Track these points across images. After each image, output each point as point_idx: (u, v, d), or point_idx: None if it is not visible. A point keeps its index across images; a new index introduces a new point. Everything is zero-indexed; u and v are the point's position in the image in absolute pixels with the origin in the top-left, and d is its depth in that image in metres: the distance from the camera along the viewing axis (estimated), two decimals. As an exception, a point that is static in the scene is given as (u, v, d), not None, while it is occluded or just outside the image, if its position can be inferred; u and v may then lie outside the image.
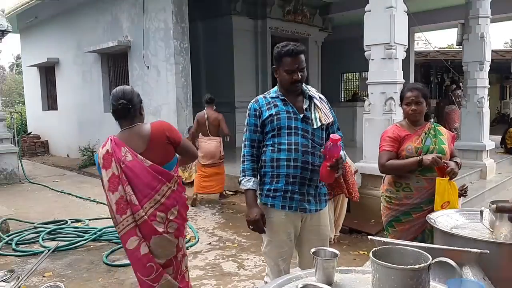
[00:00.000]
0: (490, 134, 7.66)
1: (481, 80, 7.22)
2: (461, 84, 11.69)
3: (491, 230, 1.91)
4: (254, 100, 2.40)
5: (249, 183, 2.31)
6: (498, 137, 9.52)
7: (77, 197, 6.75)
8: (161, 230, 2.29)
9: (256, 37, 10.87)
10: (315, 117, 2.29)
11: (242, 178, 2.35)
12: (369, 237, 1.67)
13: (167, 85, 7.97)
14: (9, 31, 8.67)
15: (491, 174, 7.13)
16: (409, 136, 2.68)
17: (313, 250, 1.40)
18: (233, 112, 10.33)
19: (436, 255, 1.25)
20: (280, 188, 2.27)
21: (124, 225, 2.27)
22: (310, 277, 1.39)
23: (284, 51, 2.27)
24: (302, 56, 2.28)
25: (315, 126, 2.28)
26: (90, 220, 5.38)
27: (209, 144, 6.30)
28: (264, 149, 2.35)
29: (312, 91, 2.38)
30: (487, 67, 7.20)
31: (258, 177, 2.38)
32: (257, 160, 2.37)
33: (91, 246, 4.52)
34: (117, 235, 4.60)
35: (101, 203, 6.29)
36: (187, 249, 4.38)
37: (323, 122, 2.30)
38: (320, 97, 2.39)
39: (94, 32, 9.82)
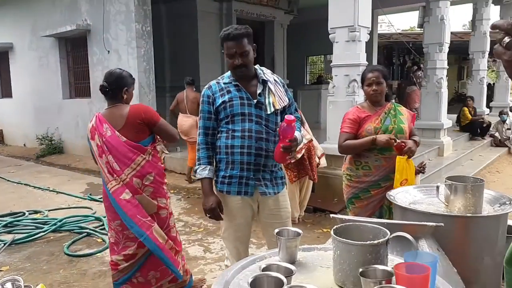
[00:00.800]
0: (448, 113, 7.94)
1: (440, 61, 7.43)
2: (421, 65, 12.03)
3: (446, 204, 1.98)
4: (207, 86, 2.35)
5: (204, 171, 2.29)
6: (455, 116, 9.89)
7: (35, 187, 6.49)
8: (140, 191, 2.66)
9: (221, 20, 10.68)
10: (269, 102, 2.25)
11: (197, 167, 2.32)
12: (331, 215, 1.69)
13: (129, 70, 7.60)
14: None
15: (448, 151, 7.42)
16: (369, 117, 2.74)
17: (276, 230, 1.41)
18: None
19: (394, 230, 1.27)
20: (235, 174, 2.26)
21: (113, 184, 2.63)
22: (273, 257, 1.40)
23: (224, 35, 2.22)
24: (244, 40, 2.19)
25: (268, 112, 2.24)
26: (49, 211, 5.18)
27: (184, 121, 6.48)
28: (219, 135, 2.32)
29: (267, 73, 2.34)
30: (446, 48, 7.42)
31: (214, 163, 2.36)
32: (212, 148, 2.34)
33: (51, 238, 4.37)
34: (78, 225, 4.57)
35: (61, 193, 6.09)
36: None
37: (277, 107, 2.26)
38: (275, 80, 2.35)
39: (51, 15, 9.35)
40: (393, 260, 1.32)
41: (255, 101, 2.25)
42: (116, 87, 2.74)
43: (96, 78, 8.45)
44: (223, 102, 2.25)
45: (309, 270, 1.32)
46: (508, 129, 8.77)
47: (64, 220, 4.65)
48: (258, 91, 2.27)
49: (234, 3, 10.58)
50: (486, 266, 1.87)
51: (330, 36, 5.18)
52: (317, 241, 3.99)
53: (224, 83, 2.31)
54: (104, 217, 4.75)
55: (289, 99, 2.38)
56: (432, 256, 1.17)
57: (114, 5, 7.83)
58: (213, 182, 2.36)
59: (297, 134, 2.21)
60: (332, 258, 1.24)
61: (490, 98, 12.02)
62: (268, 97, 2.27)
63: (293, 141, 2.13)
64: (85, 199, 5.74)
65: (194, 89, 6.78)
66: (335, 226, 1.29)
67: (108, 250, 3.89)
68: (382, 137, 2.60)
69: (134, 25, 7.49)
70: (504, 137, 8.76)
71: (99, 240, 4.22)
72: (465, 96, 10.48)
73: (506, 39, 0.89)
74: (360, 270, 1.09)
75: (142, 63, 7.62)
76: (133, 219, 2.59)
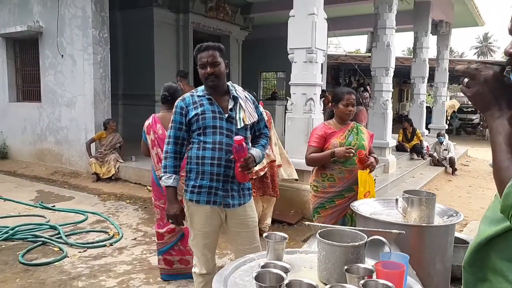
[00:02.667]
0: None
1: (386, 84, 8.01)
2: (368, 86, 12.79)
3: (404, 215, 2.24)
4: (181, 98, 2.47)
5: (169, 180, 2.39)
6: (396, 135, 10.59)
7: (-21, 194, 6.14)
8: None
9: (178, 31, 10.77)
10: (239, 118, 2.39)
11: (163, 174, 2.42)
12: (306, 223, 1.88)
13: (84, 76, 7.58)
14: None
15: (392, 169, 7.95)
16: (335, 133, 3.05)
17: (265, 234, 1.56)
18: (153, 106, 10.12)
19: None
20: (205, 184, 2.37)
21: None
22: (262, 258, 1.55)
23: (197, 48, 2.42)
24: (214, 52, 2.36)
25: (239, 126, 2.38)
26: (-2, 218, 4.97)
27: None
28: (190, 146, 2.43)
29: (238, 90, 2.49)
30: (391, 73, 8.01)
31: (184, 173, 2.48)
32: (180, 157, 2.45)
33: (3, 246, 4.20)
34: (32, 233, 4.45)
35: (9, 200, 5.82)
36: (111, 245, 4.32)
37: (246, 122, 2.41)
38: (246, 97, 2.50)
39: (-2, 13, 8.94)
40: (367, 261, 1.52)
41: (226, 115, 2.38)
42: (173, 98, 3.34)
43: (48, 82, 8.19)
44: (196, 114, 2.36)
45: (294, 270, 1.49)
46: (445, 149, 9.54)
47: (17, 228, 4.47)
48: (230, 106, 2.40)
49: (191, 15, 10.73)
50: (438, 270, 2.14)
51: (289, 56, 5.47)
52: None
53: (198, 96, 2.43)
54: (60, 225, 4.69)
55: (258, 115, 2.54)
56: (403, 256, 1.38)
57: (70, 9, 7.68)
58: (183, 190, 2.48)
59: (253, 151, 2.37)
60: (317, 258, 1.42)
61: (429, 120, 12.98)
62: (239, 113, 2.40)
63: (247, 159, 2.28)
64: (36, 207, 5.54)
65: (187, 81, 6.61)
66: (319, 231, 1.47)
67: (66, 260, 3.89)
68: (339, 150, 2.89)
69: (91, 31, 7.39)
70: (442, 157, 9.52)
71: (55, 249, 4.12)
72: (405, 117, 11.25)
73: (465, 80, 1.08)
74: (345, 267, 1.28)
75: (98, 69, 7.51)
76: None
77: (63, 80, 7.92)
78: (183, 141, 2.43)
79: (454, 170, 9.29)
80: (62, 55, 7.84)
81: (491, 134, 1.06)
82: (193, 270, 2.60)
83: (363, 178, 2.83)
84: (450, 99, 33.64)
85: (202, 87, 2.47)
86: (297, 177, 5.06)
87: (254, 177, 4.41)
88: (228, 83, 2.50)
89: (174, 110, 2.45)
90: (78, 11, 7.55)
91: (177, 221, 2.43)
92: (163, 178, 2.41)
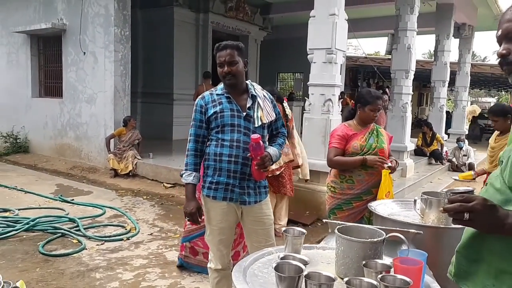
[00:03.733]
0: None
1: (406, 87, 7.92)
2: (387, 89, 12.66)
3: (422, 216, 2.23)
4: (200, 96, 2.51)
5: (189, 177, 2.43)
6: (415, 139, 10.47)
7: (1, 186, 6.31)
8: None
9: (197, 30, 10.87)
10: (257, 116, 2.41)
11: (184, 172, 2.46)
12: (324, 220, 1.88)
13: (105, 73, 7.71)
14: None
15: (410, 173, 7.86)
16: (355, 135, 3.02)
17: (283, 229, 1.58)
18: (171, 104, 10.26)
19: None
20: (222, 181, 2.40)
21: None
22: (279, 252, 1.56)
23: (216, 47, 2.44)
24: (232, 51, 2.37)
25: (256, 125, 2.40)
26: (20, 210, 5.10)
27: None
28: (208, 143, 2.46)
29: (257, 89, 2.51)
30: (411, 75, 7.92)
31: (202, 169, 2.51)
32: (200, 155, 2.48)
33: (24, 237, 4.31)
34: (52, 225, 4.53)
35: (30, 192, 5.97)
36: (128, 239, 4.39)
37: (264, 121, 2.43)
38: (264, 95, 2.52)
39: (24, 11, 9.16)
40: (384, 259, 1.52)
41: (244, 113, 2.40)
42: None
43: (69, 79, 8.36)
44: (215, 112, 2.40)
45: (312, 265, 1.49)
46: (465, 155, 9.38)
47: (37, 219, 4.58)
48: (248, 105, 2.43)
49: (211, 15, 10.82)
50: (454, 272, 2.11)
51: (308, 56, 5.46)
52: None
53: (217, 95, 2.46)
54: (79, 218, 4.78)
55: (276, 114, 2.56)
56: (421, 253, 1.38)
57: (93, 7, 7.82)
58: (201, 187, 2.51)
59: (270, 150, 2.39)
60: (335, 254, 1.43)
61: (448, 125, 12.79)
62: (257, 111, 2.43)
63: (264, 157, 2.30)
64: (56, 200, 5.67)
65: (211, 82, 6.83)
66: (338, 227, 1.47)
67: (84, 252, 3.97)
68: (372, 158, 2.87)
69: (113, 29, 7.51)
70: (461, 163, 9.37)
71: (74, 241, 4.21)
72: (424, 121, 11.10)
73: (466, 216, 1.13)
74: (364, 262, 1.28)
75: (119, 67, 7.63)
76: None
77: (84, 77, 8.08)
78: (204, 138, 2.47)
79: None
80: (84, 52, 7.99)
81: None
82: (208, 265, 2.63)
83: (386, 178, 2.84)
84: (471, 104, 33.08)
85: (222, 85, 2.50)
86: (308, 178, 5.06)
87: (269, 175, 4.42)
88: (247, 81, 2.52)
89: (194, 108, 2.49)
90: (101, 9, 7.68)
91: (193, 219, 2.46)
92: (184, 176, 2.45)
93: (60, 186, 6.52)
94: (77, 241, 4.19)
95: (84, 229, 4.50)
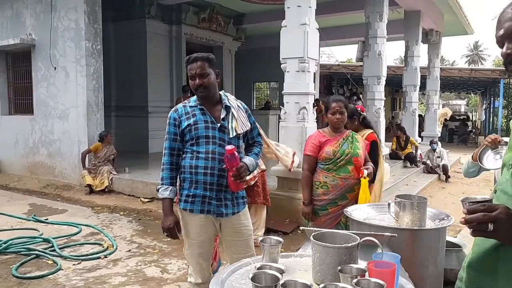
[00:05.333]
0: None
1: (378, 93, 8.10)
2: (361, 95, 12.91)
3: (396, 219, 2.26)
4: (174, 109, 2.50)
5: (166, 191, 2.41)
6: (389, 144, 10.67)
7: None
8: None
9: (170, 42, 10.86)
10: (232, 127, 2.41)
11: (160, 186, 2.44)
12: (301, 227, 1.89)
13: (77, 88, 7.58)
14: None
15: (386, 177, 7.97)
16: (329, 141, 3.08)
17: (260, 238, 1.58)
18: (146, 117, 10.16)
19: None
20: (199, 194, 2.38)
21: None
22: (257, 262, 1.56)
23: (186, 60, 2.45)
24: (203, 63, 2.38)
25: (231, 136, 2.40)
26: (-11, 232, 4.92)
27: None
28: (184, 155, 2.45)
29: (231, 100, 2.51)
30: (383, 81, 8.11)
31: (178, 182, 2.48)
32: (176, 168, 2.46)
33: (-5, 260, 4.17)
34: (25, 246, 4.39)
35: (1, 213, 5.77)
36: (106, 257, 4.29)
37: (238, 131, 2.43)
38: (238, 106, 2.52)
39: (-10, 27, 8.95)
40: (360, 263, 1.54)
41: (218, 125, 2.40)
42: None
43: (40, 95, 8.19)
44: (189, 125, 2.39)
45: (289, 273, 1.49)
46: (438, 157, 9.61)
47: (10, 241, 4.43)
48: (222, 116, 2.42)
49: (184, 26, 10.83)
50: (431, 273, 2.16)
51: (281, 65, 5.53)
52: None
53: (191, 107, 2.46)
54: (54, 238, 4.65)
55: (251, 123, 2.56)
56: (395, 256, 1.40)
57: (63, 21, 7.71)
58: (177, 200, 2.49)
59: (246, 160, 2.39)
60: (312, 260, 1.43)
61: (421, 128, 13.10)
62: (231, 122, 2.43)
63: (239, 168, 2.29)
64: (29, 220, 5.49)
65: (189, 95, 6.79)
66: (313, 234, 1.48)
67: (60, 272, 3.86)
68: (306, 209, 3.12)
69: (84, 42, 7.42)
70: (435, 164, 9.59)
71: (49, 261, 4.08)
72: (397, 125, 11.32)
73: (491, 227, 1.04)
74: (339, 268, 1.29)
75: (91, 81, 7.52)
76: None
77: (55, 92, 7.92)
78: (179, 151, 2.45)
79: (448, 177, 9.35)
80: (55, 67, 7.85)
81: None
82: (188, 279, 2.59)
83: (365, 186, 2.91)
84: (443, 107, 34.01)
85: (195, 97, 2.49)
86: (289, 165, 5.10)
87: (244, 186, 4.41)
88: (220, 92, 2.52)
89: (168, 121, 2.47)
90: (71, 24, 7.58)
91: (171, 234, 2.41)
92: (160, 190, 2.42)
93: (33, 206, 6.33)
94: (52, 262, 4.06)
95: (60, 248, 4.38)
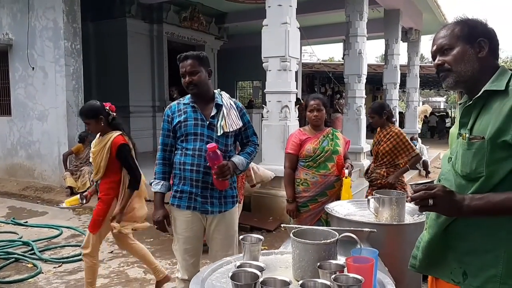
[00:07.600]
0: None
1: (359, 91, 8.18)
2: (343, 93, 13.02)
3: (376, 214, 2.31)
4: (168, 106, 2.56)
5: (157, 186, 2.48)
6: (370, 140, 10.79)
7: None
8: None
9: (152, 41, 10.77)
10: (220, 125, 2.44)
11: (153, 181, 2.50)
12: (282, 225, 1.91)
13: (56, 88, 7.44)
14: None
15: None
16: (309, 139, 3.13)
17: (241, 236, 1.59)
18: (128, 117, 10.03)
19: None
20: (186, 190, 2.42)
21: None
22: (238, 261, 1.57)
23: (177, 58, 2.48)
24: (193, 61, 2.41)
25: (218, 134, 2.43)
26: (-33, 236, 4.80)
27: None
28: (175, 152, 2.50)
29: (224, 98, 2.52)
30: (363, 79, 8.19)
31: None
32: (169, 164, 2.51)
33: (-27, 265, 4.07)
34: (4, 250, 4.30)
35: (-21, 217, 5.65)
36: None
37: (226, 130, 2.44)
38: (231, 104, 2.53)
39: (-35, 26, 8.71)
40: (340, 259, 1.56)
41: (207, 122, 2.43)
42: None
43: (18, 96, 8.01)
44: (179, 122, 2.44)
45: (270, 270, 1.51)
46: (417, 153, 9.77)
47: (-12, 245, 4.34)
48: (212, 114, 2.45)
49: (165, 25, 10.74)
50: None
51: (263, 64, 5.54)
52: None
53: (184, 104, 2.50)
54: (34, 241, 4.56)
55: (245, 123, 2.57)
56: (373, 251, 1.43)
57: (41, 21, 7.56)
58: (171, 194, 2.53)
59: (236, 158, 2.42)
60: (292, 257, 1.45)
61: (401, 125, 13.29)
62: (220, 120, 2.45)
63: (221, 166, 2.29)
64: (8, 223, 5.38)
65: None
66: (293, 231, 1.50)
67: (40, 276, 3.79)
68: (290, 206, 3.14)
69: (63, 42, 7.28)
70: (414, 160, 9.75)
71: (29, 265, 4.01)
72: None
73: (431, 201, 1.26)
74: (318, 264, 1.31)
75: (71, 81, 7.40)
76: None
77: (34, 93, 7.77)
78: (171, 147, 2.51)
79: (428, 172, 9.53)
80: (33, 68, 7.69)
81: (480, 214, 1.28)
82: (176, 274, 2.61)
83: (347, 184, 2.97)
84: (423, 104, 34.57)
85: (189, 95, 2.53)
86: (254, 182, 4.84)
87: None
88: (215, 90, 2.55)
89: (163, 118, 2.53)
90: (49, 23, 7.43)
91: (160, 227, 2.48)
92: (152, 185, 2.48)
93: (12, 209, 6.20)
94: (32, 265, 3.99)
95: (40, 252, 4.31)
